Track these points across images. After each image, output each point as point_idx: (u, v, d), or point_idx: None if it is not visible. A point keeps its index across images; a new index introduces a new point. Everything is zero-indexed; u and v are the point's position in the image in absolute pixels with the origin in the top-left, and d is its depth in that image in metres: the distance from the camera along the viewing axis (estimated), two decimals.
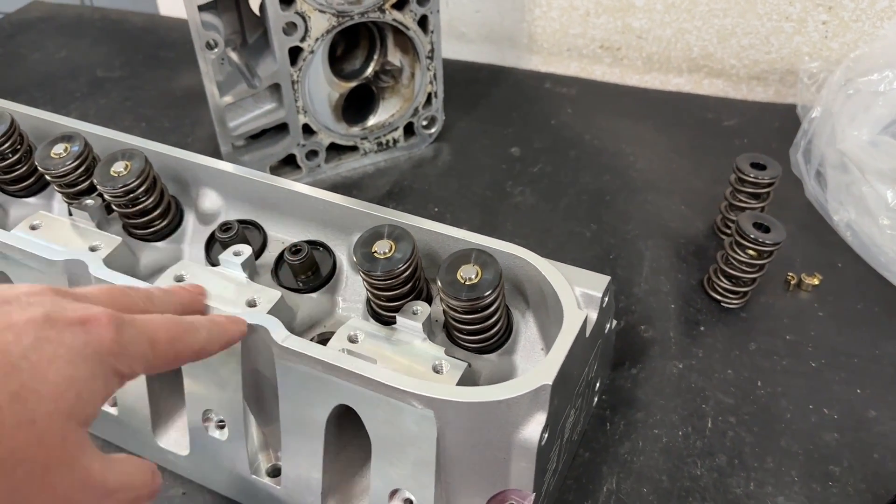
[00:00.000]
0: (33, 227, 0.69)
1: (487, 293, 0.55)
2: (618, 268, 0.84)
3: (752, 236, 0.76)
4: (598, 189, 0.96)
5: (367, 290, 0.62)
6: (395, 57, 0.98)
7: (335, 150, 1.02)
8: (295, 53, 0.90)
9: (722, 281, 0.81)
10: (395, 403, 0.51)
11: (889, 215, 0.79)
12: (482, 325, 0.58)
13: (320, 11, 0.88)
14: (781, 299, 0.82)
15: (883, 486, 0.64)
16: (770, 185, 0.84)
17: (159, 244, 0.72)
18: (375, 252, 0.59)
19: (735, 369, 0.74)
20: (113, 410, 0.66)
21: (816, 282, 0.83)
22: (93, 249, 0.66)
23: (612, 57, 1.17)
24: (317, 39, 0.90)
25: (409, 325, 0.59)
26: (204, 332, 0.49)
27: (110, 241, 0.67)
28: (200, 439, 0.62)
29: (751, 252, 0.77)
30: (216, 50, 0.86)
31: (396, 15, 0.92)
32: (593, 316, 0.58)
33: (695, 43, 1.12)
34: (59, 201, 0.78)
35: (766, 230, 0.77)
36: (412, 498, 0.55)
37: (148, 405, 0.63)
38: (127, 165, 0.67)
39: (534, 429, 0.51)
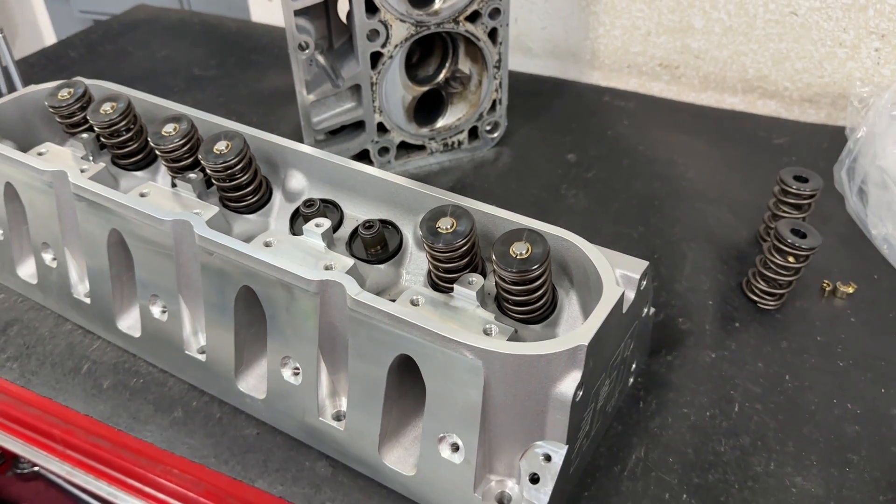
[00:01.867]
0: (142, 195, 0.79)
1: (535, 266, 0.63)
2: (661, 266, 0.91)
3: (788, 241, 0.81)
4: (647, 195, 1.02)
5: (430, 261, 0.70)
6: (465, 65, 1.07)
7: (404, 148, 1.10)
8: (376, 58, 1.00)
9: (759, 283, 0.86)
10: (449, 354, 0.59)
11: None
12: (529, 296, 0.65)
13: (401, 21, 0.97)
14: (816, 305, 0.87)
15: None
16: (811, 196, 0.89)
17: (250, 216, 0.82)
18: (439, 227, 0.67)
19: (766, 363, 0.79)
20: (201, 357, 0.76)
21: (851, 290, 0.87)
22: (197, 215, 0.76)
23: (670, 75, 1.24)
24: (396, 46, 0.99)
25: (465, 293, 0.66)
26: None
27: (209, 209, 0.77)
28: (276, 384, 0.71)
29: (787, 256, 0.82)
30: (307, 51, 0.96)
31: (469, 26, 1.01)
32: (630, 295, 0.65)
33: (750, 65, 1.17)
34: (163, 176, 0.89)
35: (803, 236, 0.82)
36: (459, 442, 0.62)
37: (233, 352, 0.72)
38: (228, 145, 0.77)
39: (569, 385, 0.58)
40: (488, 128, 1.12)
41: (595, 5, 1.22)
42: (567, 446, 0.60)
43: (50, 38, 2.10)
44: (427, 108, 1.10)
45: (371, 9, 0.95)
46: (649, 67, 1.24)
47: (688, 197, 1.01)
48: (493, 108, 1.10)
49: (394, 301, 0.67)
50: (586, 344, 0.57)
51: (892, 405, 0.75)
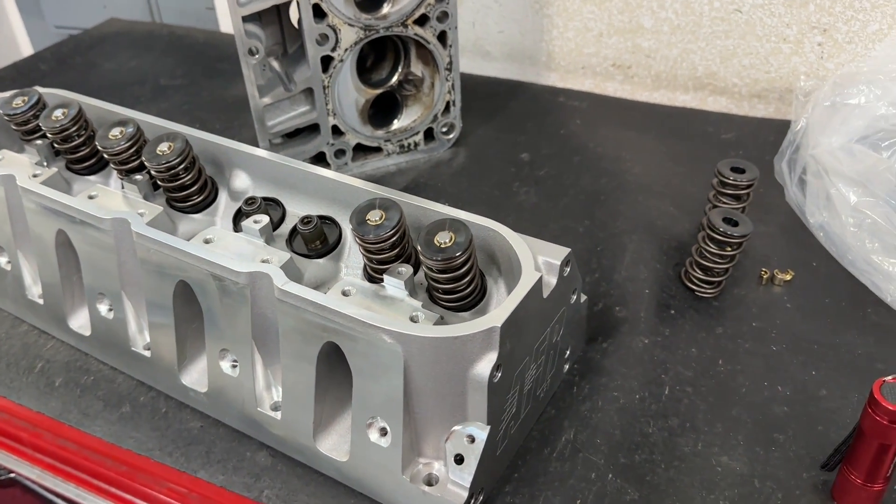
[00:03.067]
0: (91, 197, 0.82)
1: (458, 254, 0.65)
2: (602, 258, 0.93)
3: (721, 229, 0.83)
4: (594, 190, 1.05)
5: (363, 254, 0.72)
6: (417, 68, 1.09)
7: (361, 150, 1.13)
8: (326, 62, 1.02)
9: (696, 272, 0.88)
10: (370, 340, 0.61)
11: (853, 215, 0.85)
12: (456, 284, 0.68)
13: (349, 25, 1.00)
14: (754, 292, 0.89)
15: (822, 452, 0.70)
16: (748, 187, 0.91)
17: (196, 216, 0.84)
18: (369, 220, 0.69)
19: (699, 348, 0.81)
20: (146, 353, 0.78)
21: (789, 277, 0.90)
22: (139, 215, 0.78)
23: (623, 75, 1.26)
24: (346, 50, 1.02)
25: (394, 282, 0.68)
26: None
27: (153, 209, 0.79)
28: (216, 377, 0.73)
29: (720, 244, 0.84)
30: (257, 56, 0.99)
31: (418, 30, 1.04)
32: (552, 280, 0.67)
33: (699, 62, 1.20)
34: (115, 179, 0.91)
35: (735, 224, 0.84)
36: (386, 426, 0.64)
37: (175, 348, 0.74)
38: (170, 146, 0.79)
39: (485, 366, 0.60)
40: (444, 129, 1.14)
41: (548, 8, 1.24)
42: (489, 427, 0.62)
43: (27, 53, 2.13)
44: (383, 112, 1.12)
45: (319, 14, 0.98)
46: (603, 68, 1.27)
47: (632, 191, 1.04)
48: (447, 109, 1.13)
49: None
50: (499, 325, 0.59)
51: (821, 386, 0.77)
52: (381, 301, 0.68)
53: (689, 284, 0.89)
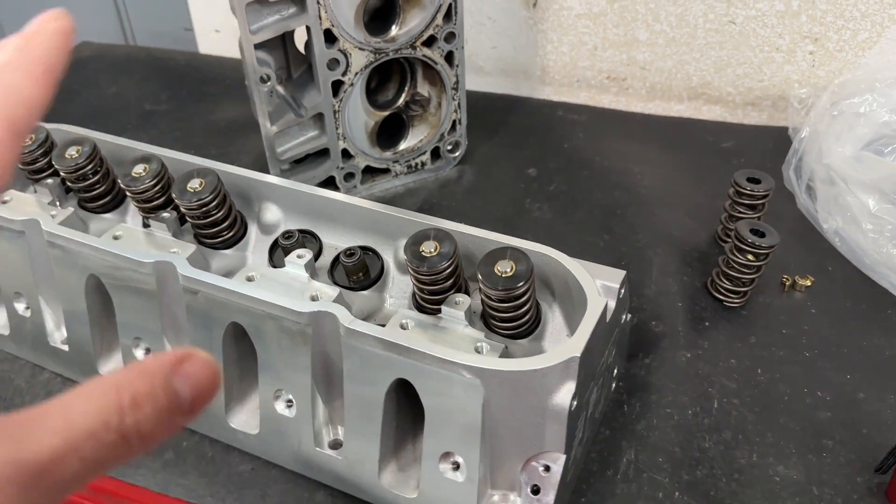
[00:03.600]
0: (116, 237, 0.79)
1: (521, 284, 0.65)
2: (630, 272, 0.92)
3: (749, 241, 0.85)
4: (609, 204, 1.06)
5: (415, 285, 0.71)
6: (423, 88, 1.09)
7: (369, 172, 1.12)
8: (337, 86, 1.01)
9: (723, 282, 0.90)
10: (446, 374, 0.60)
11: (872, 221, 0.88)
12: (516, 312, 0.68)
13: (360, 49, 0.99)
14: (778, 299, 0.91)
15: (871, 455, 0.73)
16: (765, 196, 0.94)
17: (227, 252, 0.82)
18: (423, 251, 0.68)
19: (737, 358, 0.83)
20: None
21: (809, 283, 0.92)
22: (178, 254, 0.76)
23: (618, 87, 1.28)
24: (356, 74, 1.01)
25: (453, 313, 0.68)
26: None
27: (186, 247, 0.77)
28: (270, 417, 0.71)
29: (749, 255, 0.86)
30: (269, 83, 0.97)
31: (426, 51, 1.03)
32: (612, 304, 0.68)
33: (694, 73, 1.22)
34: (132, 216, 0.88)
35: (762, 235, 0.86)
36: (460, 460, 0.63)
37: (222, 389, 0.72)
38: (202, 182, 0.77)
39: (564, 396, 0.60)
40: (450, 147, 1.14)
41: (542, 23, 1.25)
42: (565, 455, 0.63)
43: None
44: (389, 132, 1.11)
45: (330, 39, 0.97)
46: (598, 81, 1.28)
47: (647, 204, 1.05)
48: (453, 128, 1.12)
49: (383, 326, 0.68)
50: (579, 355, 0.59)
51: (857, 390, 0.79)
52: (442, 333, 0.67)
53: (717, 295, 0.91)
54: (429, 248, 0.68)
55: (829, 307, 0.89)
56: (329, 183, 1.09)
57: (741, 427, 0.76)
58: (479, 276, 0.66)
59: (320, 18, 0.94)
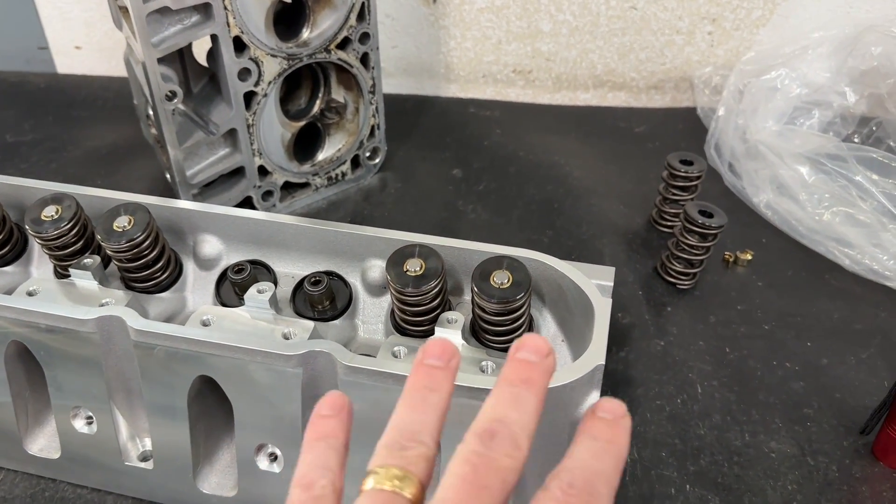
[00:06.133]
0: (31, 294, 0.67)
1: (520, 295, 0.61)
2: None
3: (700, 222, 0.86)
4: (544, 199, 1.04)
5: (397, 306, 0.65)
6: (339, 94, 1.02)
7: (288, 188, 1.04)
8: (249, 98, 0.92)
9: (675, 265, 0.90)
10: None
11: (807, 191, 0.92)
12: (513, 325, 0.64)
13: (272, 56, 0.91)
14: (724, 276, 0.93)
15: (849, 419, 0.75)
16: (698, 178, 0.95)
17: (163, 295, 0.72)
18: (407, 270, 0.63)
19: (704, 340, 0.83)
20: (144, 465, 0.66)
21: (749, 257, 0.94)
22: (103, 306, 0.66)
23: (524, 79, 1.27)
24: (269, 83, 0.92)
25: (449, 333, 0.63)
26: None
27: (120, 297, 0.67)
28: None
29: (699, 236, 0.87)
30: (175, 100, 0.87)
31: (341, 54, 0.96)
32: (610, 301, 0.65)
33: (598, 61, 1.23)
34: (37, 266, 0.76)
35: (710, 216, 0.87)
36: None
37: (189, 449, 0.63)
38: (130, 220, 0.67)
39: (588, 405, 0.57)
40: (368, 154, 1.08)
41: (444, 19, 1.21)
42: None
43: None
44: (304, 144, 1.04)
45: (240, 47, 0.88)
46: (504, 75, 1.26)
47: (582, 195, 1.04)
48: (371, 133, 1.06)
49: (364, 356, 0.62)
50: (603, 362, 0.56)
51: (820, 356, 0.82)
52: None
53: (668, 278, 0.91)
54: (414, 266, 0.63)
55: (773, 278, 0.92)
56: (246, 203, 1.00)
57: (727, 408, 0.76)
58: (474, 289, 0.61)
59: (228, 25, 0.86)
